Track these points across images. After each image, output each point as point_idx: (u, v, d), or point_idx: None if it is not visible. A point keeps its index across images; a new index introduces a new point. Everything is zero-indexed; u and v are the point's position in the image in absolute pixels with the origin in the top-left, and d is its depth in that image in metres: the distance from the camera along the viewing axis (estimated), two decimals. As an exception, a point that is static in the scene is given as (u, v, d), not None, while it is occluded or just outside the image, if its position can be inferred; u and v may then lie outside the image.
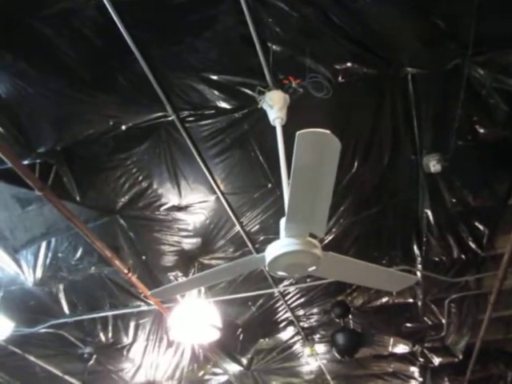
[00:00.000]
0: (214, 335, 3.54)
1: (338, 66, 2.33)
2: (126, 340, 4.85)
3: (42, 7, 2.06)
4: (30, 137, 2.60)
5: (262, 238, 3.46)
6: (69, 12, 2.08)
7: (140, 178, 2.91)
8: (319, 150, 1.60)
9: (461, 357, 5.19)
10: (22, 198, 2.88)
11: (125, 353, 5.11)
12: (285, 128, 2.39)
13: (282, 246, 1.91)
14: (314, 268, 2.00)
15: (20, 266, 3.55)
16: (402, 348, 5.25)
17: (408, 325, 4.85)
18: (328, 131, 1.50)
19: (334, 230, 3.42)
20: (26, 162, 2.66)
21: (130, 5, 2.05)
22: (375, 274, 2.26)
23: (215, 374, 5.74)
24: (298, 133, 1.48)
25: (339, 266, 2.15)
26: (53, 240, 3.34)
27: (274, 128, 2.42)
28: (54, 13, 2.07)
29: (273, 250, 1.91)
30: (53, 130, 2.59)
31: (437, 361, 5.41)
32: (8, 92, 2.37)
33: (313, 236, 1.95)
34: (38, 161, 2.69)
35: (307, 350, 5.19)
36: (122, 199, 3.06)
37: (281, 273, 1.95)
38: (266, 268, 1.95)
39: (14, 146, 2.58)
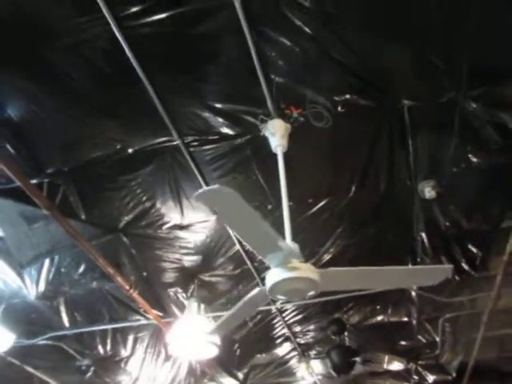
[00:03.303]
0: (213, 352, 3.60)
1: (337, 98, 2.43)
2: (124, 353, 4.89)
3: (55, 39, 2.16)
4: (39, 157, 2.69)
5: (260, 257, 3.53)
6: (81, 43, 2.18)
7: (144, 198, 3.00)
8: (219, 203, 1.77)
9: (454, 375, 5.25)
10: (28, 216, 2.96)
11: (122, 365, 5.14)
12: (285, 154, 2.50)
13: (277, 273, 1.99)
14: (312, 292, 2.09)
15: (23, 280, 3.61)
16: (396, 365, 5.31)
17: (403, 343, 4.92)
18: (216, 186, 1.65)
19: (331, 250, 3.51)
20: (34, 182, 2.74)
21: (140, 37, 2.16)
22: (388, 275, 2.23)
23: (211, 388, 5.78)
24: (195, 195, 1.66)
25: (346, 278, 2.19)
26: (56, 256, 3.41)
27: (274, 153, 2.53)
28: (67, 44, 2.17)
29: (270, 278, 2.00)
30: (61, 152, 2.68)
31: (431, 378, 5.46)
32: (21, 115, 2.46)
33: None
34: (46, 180, 2.78)
35: (303, 366, 5.25)
36: (126, 218, 3.14)
37: (281, 297, 2.03)
38: (267, 292, 2.03)
39: (24, 166, 2.67)
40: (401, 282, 2.44)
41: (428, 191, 2.88)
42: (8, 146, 2.57)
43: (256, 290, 2.22)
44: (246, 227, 1.94)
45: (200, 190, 1.67)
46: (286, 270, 1.99)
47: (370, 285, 2.39)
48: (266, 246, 1.96)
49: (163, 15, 2.09)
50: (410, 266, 2.20)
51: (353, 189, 2.98)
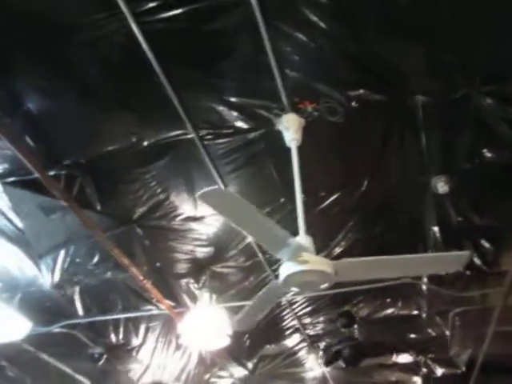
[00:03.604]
0: (224, 342, 3.66)
1: (351, 93, 2.44)
2: (136, 342, 4.98)
3: (73, 34, 2.19)
4: (56, 150, 2.74)
5: (272, 249, 3.57)
6: (98, 38, 2.21)
7: (158, 190, 3.05)
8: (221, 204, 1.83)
9: (464, 369, 5.27)
10: (46, 207, 3.02)
11: (134, 354, 5.24)
12: (298, 148, 2.53)
13: (289, 267, 2.03)
14: (326, 284, 2.13)
15: (39, 270, 3.69)
16: (405, 358, 5.34)
17: (412, 336, 4.94)
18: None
19: (342, 243, 3.53)
20: (52, 173, 2.80)
21: (156, 32, 2.18)
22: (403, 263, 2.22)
23: (220, 377, 5.85)
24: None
25: (362, 268, 2.21)
26: (72, 246, 3.48)
27: (288, 147, 2.56)
28: (84, 39, 2.21)
29: (282, 271, 2.04)
30: (79, 144, 2.73)
31: (440, 371, 5.48)
32: (39, 109, 2.51)
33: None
34: (63, 172, 2.83)
35: (312, 358, 5.31)
36: (140, 209, 3.19)
37: (295, 289, 2.07)
38: (280, 284, 2.08)
39: (42, 158, 2.72)
40: (417, 270, 2.43)
41: (441, 186, 2.89)
42: (27, 139, 2.61)
43: (270, 284, 2.26)
44: (251, 226, 1.99)
45: (200, 191, 1.72)
46: (296, 263, 2.03)
47: (385, 274, 2.39)
48: (274, 242, 2.01)
49: (179, 11, 2.11)
50: (426, 254, 2.18)
51: (365, 183, 3.00)
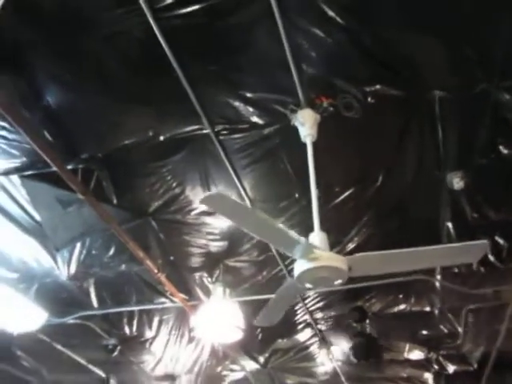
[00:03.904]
0: (237, 335, 3.69)
1: (367, 88, 2.44)
2: (150, 334, 5.03)
3: (92, 29, 2.22)
4: (74, 144, 2.78)
5: (285, 244, 3.59)
6: (117, 33, 2.24)
7: (174, 184, 3.08)
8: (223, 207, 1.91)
9: (476, 366, 5.24)
10: (63, 200, 3.06)
11: (147, 346, 5.30)
12: (314, 143, 2.53)
13: (301, 264, 2.04)
14: (340, 280, 2.14)
15: (56, 261, 3.75)
16: (417, 354, 5.32)
17: (424, 332, 4.93)
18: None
19: (356, 239, 3.53)
20: (69, 167, 2.83)
21: (174, 28, 2.20)
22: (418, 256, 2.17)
23: (232, 371, 5.90)
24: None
25: (377, 262, 2.19)
26: (88, 239, 3.53)
27: (303, 143, 2.56)
28: (104, 34, 2.23)
29: (296, 269, 2.06)
30: (96, 138, 2.77)
31: (452, 368, 5.46)
32: (58, 103, 2.54)
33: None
34: (80, 166, 2.87)
35: (324, 352, 5.33)
36: (156, 203, 3.23)
37: (310, 286, 2.09)
38: (295, 279, 2.09)
39: (60, 151, 2.75)
40: (433, 262, 2.38)
41: (456, 182, 2.87)
42: (45, 132, 2.65)
43: (287, 281, 2.28)
44: (257, 228, 2.03)
45: (202, 196, 1.86)
46: (308, 260, 2.04)
47: (400, 267, 2.35)
48: (283, 242, 2.03)
49: (196, 7, 2.12)
50: (442, 245, 2.12)
51: (380, 178, 3.00)
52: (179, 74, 2.36)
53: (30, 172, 2.93)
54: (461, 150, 2.78)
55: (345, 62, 2.33)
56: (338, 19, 2.16)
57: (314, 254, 2.04)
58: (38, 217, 3.26)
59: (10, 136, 2.62)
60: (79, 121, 2.67)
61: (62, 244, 3.36)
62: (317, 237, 2.23)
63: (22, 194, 3.13)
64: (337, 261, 2.08)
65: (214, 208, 1.93)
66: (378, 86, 2.43)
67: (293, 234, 2.00)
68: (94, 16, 2.16)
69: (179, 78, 2.38)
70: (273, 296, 3.92)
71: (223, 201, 1.88)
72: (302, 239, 2.01)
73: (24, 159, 2.83)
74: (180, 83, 2.41)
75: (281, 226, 2.01)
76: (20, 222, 3.40)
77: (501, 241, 3.55)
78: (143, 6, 2.06)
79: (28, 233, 3.46)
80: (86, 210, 3.06)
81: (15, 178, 3.02)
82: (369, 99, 2.47)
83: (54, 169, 2.70)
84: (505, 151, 2.77)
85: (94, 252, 3.66)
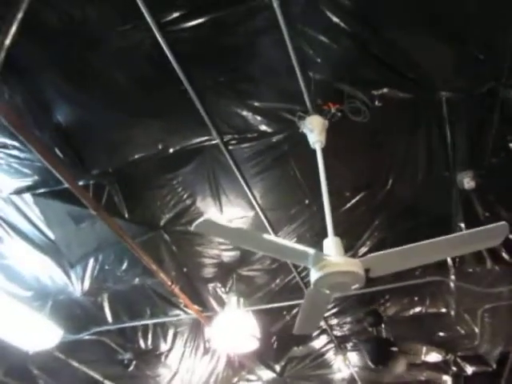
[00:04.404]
0: (253, 345, 3.68)
1: (375, 92, 2.45)
2: (165, 347, 5.03)
3: (101, 45, 2.25)
4: (85, 160, 2.80)
5: (298, 250, 3.59)
6: (125, 48, 2.26)
7: (184, 196, 3.09)
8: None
9: (494, 366, 5.19)
10: (75, 216, 3.08)
11: (163, 359, 5.29)
12: (323, 149, 2.54)
13: (314, 272, 2.04)
14: (356, 284, 2.13)
15: (69, 278, 3.76)
16: (434, 357, 5.28)
17: (441, 334, 4.89)
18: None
19: (368, 243, 3.53)
20: (81, 183, 2.86)
21: (180, 41, 2.22)
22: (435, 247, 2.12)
23: (249, 381, 5.87)
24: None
25: (393, 259, 2.13)
26: (101, 254, 3.54)
27: (312, 149, 2.57)
28: (112, 50, 2.26)
29: (311, 277, 2.05)
30: (106, 153, 2.79)
31: (470, 370, 5.41)
32: (68, 120, 2.57)
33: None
34: (91, 182, 2.89)
35: (340, 358, 5.29)
36: (167, 215, 3.24)
37: (328, 291, 2.08)
38: (312, 285, 2.09)
39: (71, 168, 2.78)
40: (452, 252, 2.28)
41: (467, 182, 2.86)
42: (56, 150, 2.67)
43: (308, 291, 2.28)
44: (257, 246, 2.05)
45: (195, 223, 1.89)
46: (321, 268, 2.03)
47: (419, 261, 2.26)
48: (289, 255, 2.03)
49: (202, 19, 2.15)
50: (462, 232, 2.04)
51: (390, 181, 3.00)
52: (187, 87, 2.38)
53: (42, 190, 2.96)
54: (470, 149, 2.77)
55: (351, 66, 2.35)
56: (343, 25, 2.18)
57: (325, 261, 2.04)
58: (51, 234, 3.28)
59: (21, 155, 2.64)
60: (89, 137, 2.69)
61: (76, 260, 3.37)
62: (331, 242, 2.23)
63: (35, 213, 3.16)
64: (351, 265, 2.07)
65: (208, 233, 2.01)
66: (385, 90, 2.44)
67: (298, 246, 2.02)
68: (101, 32, 2.18)
69: (187, 90, 2.40)
70: (286, 304, 3.94)
71: (213, 226, 1.98)
72: (310, 250, 2.01)
73: (36, 177, 2.85)
74: (188, 95, 2.43)
75: (281, 240, 2.03)
76: (33, 240, 3.42)
77: (514, 239, 3.52)
78: (149, 21, 2.08)
79: (41, 250, 3.48)
80: (99, 225, 3.08)
81: (28, 196, 3.04)
82: (376, 103, 2.48)
83: (66, 185, 2.72)
84: (515, 149, 2.76)
85: (107, 267, 3.67)
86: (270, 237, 1.98)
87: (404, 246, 2.02)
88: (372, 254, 2.09)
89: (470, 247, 2.21)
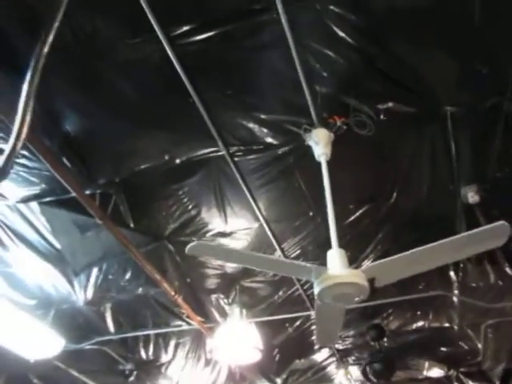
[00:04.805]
0: (255, 356, 3.67)
1: (380, 106, 2.48)
2: (166, 357, 5.01)
3: (111, 57, 2.28)
4: (92, 169, 2.82)
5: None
6: (134, 60, 2.30)
7: (190, 206, 3.11)
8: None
9: (497, 382, 5.15)
10: (81, 225, 3.10)
11: (163, 370, 5.27)
12: (328, 162, 2.56)
13: (317, 284, 2.05)
14: (360, 298, 2.13)
15: (73, 287, 3.77)
16: (437, 372, 5.25)
17: (443, 349, 4.87)
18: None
19: (371, 256, 3.53)
20: (87, 192, 2.88)
21: (189, 54, 2.26)
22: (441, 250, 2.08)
23: (250, 394, 5.84)
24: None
25: (396, 266, 2.11)
26: (105, 263, 3.55)
27: (317, 162, 2.59)
28: (122, 62, 2.29)
29: (315, 290, 2.06)
30: (113, 163, 2.81)
31: (473, 386, 5.37)
32: (76, 130, 2.60)
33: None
34: (98, 191, 2.92)
35: (341, 372, 5.26)
36: (172, 226, 3.26)
37: (329, 301, 2.09)
38: (316, 296, 2.09)
39: (78, 177, 2.80)
40: (456, 254, 2.21)
41: (471, 196, 2.88)
42: (64, 159, 2.70)
43: (316, 304, 2.29)
44: (255, 264, 2.07)
45: (188, 246, 2.03)
46: (323, 281, 2.05)
47: (424, 266, 2.23)
48: (292, 272, 2.04)
49: (212, 33, 2.19)
50: (462, 234, 2.01)
51: (394, 195, 3.02)
52: (194, 99, 2.41)
53: (48, 198, 2.98)
54: (475, 163, 2.80)
55: (357, 80, 2.38)
56: (349, 39, 2.21)
57: (327, 274, 2.05)
58: (56, 243, 3.29)
59: (30, 164, 2.67)
60: (96, 146, 2.72)
61: (81, 269, 3.39)
62: (335, 253, 2.24)
63: (41, 221, 3.18)
64: (353, 276, 2.08)
65: (202, 255, 2.10)
66: (390, 104, 2.47)
67: (296, 263, 2.05)
68: (110, 45, 2.22)
69: (194, 102, 2.43)
70: (289, 316, 3.93)
71: (206, 248, 2.12)
72: (308, 266, 2.04)
73: (43, 186, 2.88)
74: (195, 107, 2.46)
75: (275, 257, 2.06)
76: (38, 249, 3.44)
77: (518, 254, 3.53)
78: (159, 34, 2.12)
79: (46, 259, 3.49)
80: (104, 234, 3.10)
81: (34, 205, 3.06)
82: (381, 116, 2.51)
83: (73, 194, 2.74)
84: (518, 163, 2.78)
85: (110, 276, 3.68)
86: (263, 255, 2.02)
87: (406, 252, 2.02)
88: (374, 263, 2.10)
89: (473, 249, 2.17)
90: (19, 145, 1.63)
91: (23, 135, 1.65)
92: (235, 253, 2.20)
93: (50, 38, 1.67)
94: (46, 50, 1.67)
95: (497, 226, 1.93)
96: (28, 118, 1.67)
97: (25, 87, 1.68)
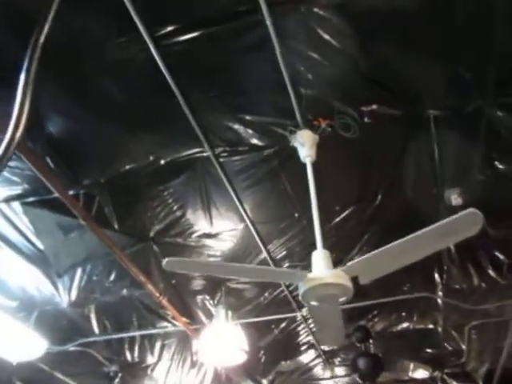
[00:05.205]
0: (241, 358, 3.66)
1: (364, 108, 2.49)
2: (151, 359, 4.98)
3: (94, 58, 2.27)
4: (76, 170, 2.80)
5: (287, 264, 3.60)
6: (118, 61, 2.28)
7: (175, 207, 3.10)
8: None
9: (481, 383, 5.21)
10: (64, 226, 3.07)
11: (149, 372, 5.24)
12: (313, 163, 2.57)
13: (300, 286, 2.06)
14: (344, 298, 2.14)
15: (56, 288, 3.73)
16: (422, 373, 5.29)
17: (428, 350, 4.91)
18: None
19: (357, 257, 3.53)
20: (71, 193, 2.85)
21: (174, 54, 2.25)
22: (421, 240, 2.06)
23: (236, 395, 5.82)
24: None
25: (377, 261, 2.10)
26: (89, 264, 3.52)
27: (302, 163, 2.60)
28: (106, 62, 2.28)
29: (305, 283, 2.06)
30: (98, 164, 2.79)
31: (457, 387, 5.42)
32: (60, 131, 2.58)
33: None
34: (82, 192, 2.89)
35: (327, 373, 5.28)
36: (157, 227, 3.24)
37: (314, 303, 2.09)
38: (300, 298, 2.10)
39: (62, 178, 2.78)
40: (435, 245, 2.18)
41: (454, 198, 2.91)
42: (48, 159, 2.68)
43: (308, 306, 2.29)
44: (234, 274, 2.07)
45: (163, 262, 1.99)
46: (304, 282, 2.06)
47: (405, 260, 2.21)
48: (275, 278, 2.04)
49: (196, 33, 2.18)
50: (436, 224, 2.01)
51: (379, 197, 3.03)
52: (179, 100, 2.40)
53: (31, 199, 2.95)
54: (457, 167, 2.83)
55: (341, 83, 2.39)
56: (333, 42, 2.22)
57: (310, 277, 2.06)
58: (39, 244, 3.26)
59: (12, 163, 2.64)
60: (81, 147, 2.70)
61: (64, 270, 3.35)
62: (320, 255, 2.25)
63: (23, 222, 3.14)
64: (335, 277, 2.08)
65: (178, 269, 2.14)
66: (374, 106, 2.49)
67: (277, 269, 2.05)
68: (95, 45, 2.20)
69: (179, 103, 2.42)
70: (275, 317, 3.93)
71: (181, 263, 2.14)
72: (290, 271, 2.05)
73: (26, 186, 2.85)
74: (181, 108, 2.45)
75: (256, 266, 2.07)
76: (21, 249, 3.40)
77: (501, 256, 3.57)
78: (144, 34, 2.11)
79: (29, 260, 3.45)
80: (88, 235, 3.07)
81: (17, 205, 3.03)
82: (366, 119, 2.52)
83: (56, 195, 2.71)
84: (500, 166, 2.82)
85: (94, 278, 3.65)
86: (241, 265, 2.04)
87: (384, 247, 2.03)
88: (354, 261, 2.10)
89: (450, 239, 2.19)
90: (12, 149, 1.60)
91: (16, 140, 1.62)
92: (213, 265, 2.21)
93: (42, 39, 1.65)
94: (38, 53, 1.64)
95: (469, 213, 1.93)
96: (23, 121, 1.64)
97: (19, 92, 1.65)
